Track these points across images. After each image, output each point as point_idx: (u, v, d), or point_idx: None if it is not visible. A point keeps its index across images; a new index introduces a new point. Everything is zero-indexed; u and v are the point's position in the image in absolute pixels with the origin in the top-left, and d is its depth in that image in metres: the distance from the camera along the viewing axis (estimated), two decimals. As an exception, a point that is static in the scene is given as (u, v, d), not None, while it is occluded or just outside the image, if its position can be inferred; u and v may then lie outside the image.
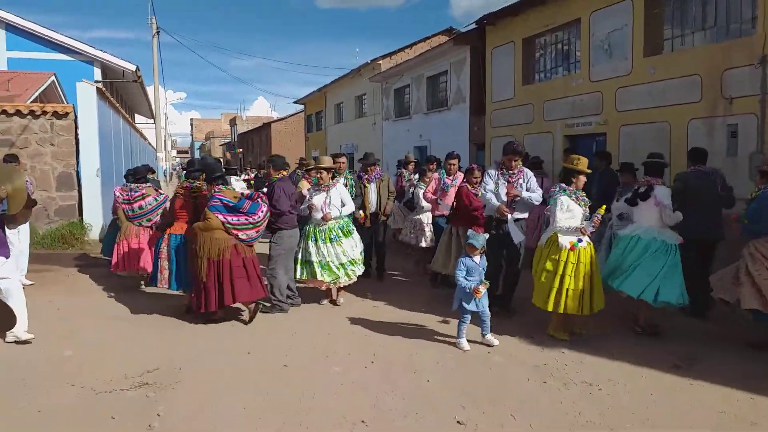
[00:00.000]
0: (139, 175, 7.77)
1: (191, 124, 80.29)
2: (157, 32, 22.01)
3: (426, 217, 8.43)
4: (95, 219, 11.35)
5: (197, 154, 73.38)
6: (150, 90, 23.27)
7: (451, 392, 4.27)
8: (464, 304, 5.20)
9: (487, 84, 14.51)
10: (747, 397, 4.16)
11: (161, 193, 7.86)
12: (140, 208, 7.50)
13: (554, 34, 12.40)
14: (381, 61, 21.51)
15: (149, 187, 7.77)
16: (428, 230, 8.40)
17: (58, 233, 10.64)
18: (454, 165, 7.90)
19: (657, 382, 4.46)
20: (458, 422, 3.78)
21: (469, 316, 5.25)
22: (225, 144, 60.58)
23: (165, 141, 33.33)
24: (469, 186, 6.95)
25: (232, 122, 59.64)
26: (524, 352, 5.16)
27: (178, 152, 72.30)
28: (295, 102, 33.18)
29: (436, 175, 8.09)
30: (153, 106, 24.29)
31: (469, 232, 5.48)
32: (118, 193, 7.67)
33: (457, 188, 7.27)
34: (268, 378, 4.54)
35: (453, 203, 7.26)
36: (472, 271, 5.18)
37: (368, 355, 5.06)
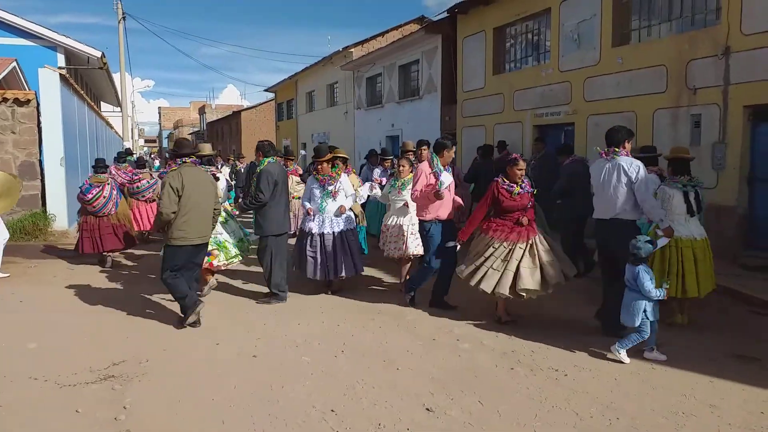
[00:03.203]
0: (140, 163, 11.01)
1: (159, 113, 78.70)
2: (123, 18, 21.49)
3: (408, 220, 6.79)
4: (59, 209, 11.08)
5: (165, 143, 72.15)
6: (116, 77, 22.75)
7: (420, 380, 4.30)
8: (649, 317, 4.63)
9: (458, 73, 14.56)
10: (706, 380, 4.28)
11: (152, 178, 10.33)
12: (137, 188, 9.96)
13: (524, 23, 12.49)
14: (353, 49, 21.37)
15: (146, 172, 10.36)
16: (412, 238, 6.73)
17: (21, 224, 10.36)
18: (426, 151, 7.52)
19: (621, 367, 4.55)
20: (427, 409, 3.82)
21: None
22: (194, 133, 59.60)
23: (132, 130, 32.69)
24: (505, 181, 5.56)
25: (201, 111, 58.66)
26: (492, 339, 5.22)
27: (146, 141, 71.01)
28: (265, 90, 32.78)
29: (423, 167, 6.10)
30: (119, 94, 23.76)
31: (640, 239, 4.73)
32: (116, 174, 10.11)
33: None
34: (237, 369, 4.51)
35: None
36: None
37: (338, 345, 5.06)
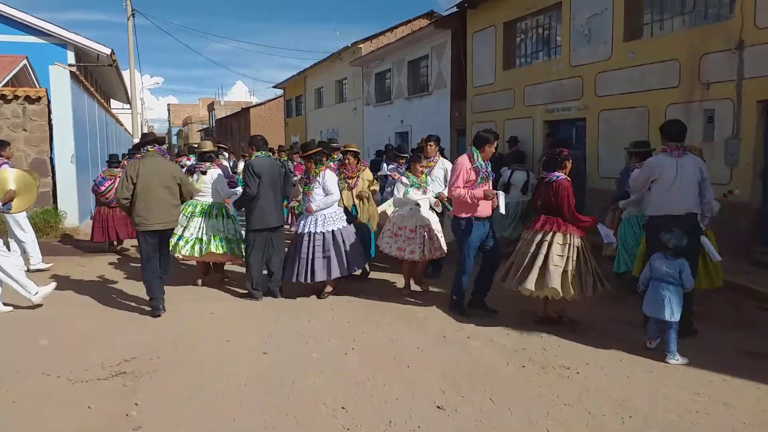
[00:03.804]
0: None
1: (168, 110, 79.00)
2: (133, 14, 21.53)
3: (431, 219, 6.56)
4: (70, 206, 11.14)
5: (174, 140, 72.54)
6: (126, 74, 22.83)
7: (431, 377, 4.29)
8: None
9: (468, 69, 14.48)
10: (720, 379, 4.24)
11: None
12: None
13: (535, 18, 12.40)
14: (361, 45, 21.34)
15: None
16: (439, 236, 6.54)
17: (32, 221, 10.40)
18: (432, 147, 7.42)
19: (633, 364, 4.52)
20: (438, 407, 3.80)
21: None
22: (203, 130, 59.77)
23: (141, 127, 32.83)
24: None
25: (210, 107, 58.81)
26: (503, 336, 5.19)
27: (156, 138, 71.24)
28: (274, 86, 32.77)
29: (463, 161, 5.68)
30: (129, 91, 23.83)
31: (678, 233, 4.72)
32: None
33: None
34: (248, 365, 4.51)
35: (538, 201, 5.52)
36: None
37: (349, 342, 5.05)
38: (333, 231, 6.33)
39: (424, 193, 6.50)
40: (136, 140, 22.60)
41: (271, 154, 7.11)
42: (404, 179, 6.54)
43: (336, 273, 6.32)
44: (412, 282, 6.82)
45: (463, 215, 5.67)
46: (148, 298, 5.95)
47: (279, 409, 3.77)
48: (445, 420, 3.64)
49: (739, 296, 6.45)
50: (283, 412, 3.73)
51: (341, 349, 4.87)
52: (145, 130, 43.89)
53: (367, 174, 7.38)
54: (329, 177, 6.39)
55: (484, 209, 5.67)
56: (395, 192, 6.60)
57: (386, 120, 19.60)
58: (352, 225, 6.60)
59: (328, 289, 6.53)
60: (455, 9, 14.48)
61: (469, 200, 5.54)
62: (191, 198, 6.53)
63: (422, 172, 6.60)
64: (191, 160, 11.19)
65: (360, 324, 5.58)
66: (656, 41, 9.38)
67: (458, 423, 3.60)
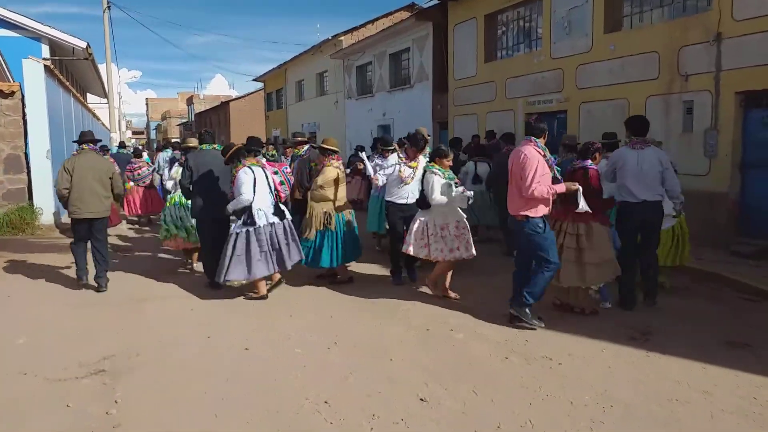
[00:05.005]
0: (137, 153, 12.49)
1: (147, 104, 78.00)
2: (108, 7, 21.17)
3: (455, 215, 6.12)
4: (46, 203, 10.95)
5: (153, 135, 71.73)
6: (102, 68, 22.48)
7: (414, 370, 4.28)
8: None
9: (449, 61, 14.47)
10: (700, 367, 4.29)
11: (151, 166, 12.08)
12: (138, 175, 11.65)
13: (516, 10, 12.41)
14: (342, 38, 21.22)
15: (143, 161, 12.08)
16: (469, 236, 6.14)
17: (7, 218, 10.23)
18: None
19: (615, 354, 4.55)
20: (421, 399, 3.79)
21: None
22: (182, 124, 59.09)
23: (119, 121, 32.36)
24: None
25: (189, 101, 58.15)
26: (486, 328, 5.20)
27: (133, 133, 70.26)
28: (254, 79, 32.48)
29: (534, 155, 5.03)
30: (106, 85, 23.46)
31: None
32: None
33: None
34: (230, 362, 4.47)
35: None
36: None
37: (331, 336, 5.02)
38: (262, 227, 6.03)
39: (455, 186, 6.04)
40: (114, 135, 22.33)
41: (215, 147, 6.99)
42: (439, 174, 5.99)
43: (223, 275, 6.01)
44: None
45: (538, 215, 5.11)
46: (76, 270, 6.69)
47: (261, 405, 3.73)
48: (428, 412, 3.63)
49: (718, 286, 6.54)
50: (265, 407, 3.69)
51: (324, 344, 4.84)
52: (123, 125, 43.32)
53: (324, 173, 6.59)
54: (238, 177, 6.01)
55: (547, 207, 5.21)
56: (443, 192, 5.93)
57: (368, 113, 19.53)
58: (285, 221, 6.22)
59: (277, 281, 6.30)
60: (436, 1, 14.46)
61: (552, 197, 5.13)
62: (121, 194, 7.15)
63: (449, 166, 6.17)
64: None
65: (342, 319, 5.55)
66: (636, 33, 9.44)
67: (441, 415, 3.59)
